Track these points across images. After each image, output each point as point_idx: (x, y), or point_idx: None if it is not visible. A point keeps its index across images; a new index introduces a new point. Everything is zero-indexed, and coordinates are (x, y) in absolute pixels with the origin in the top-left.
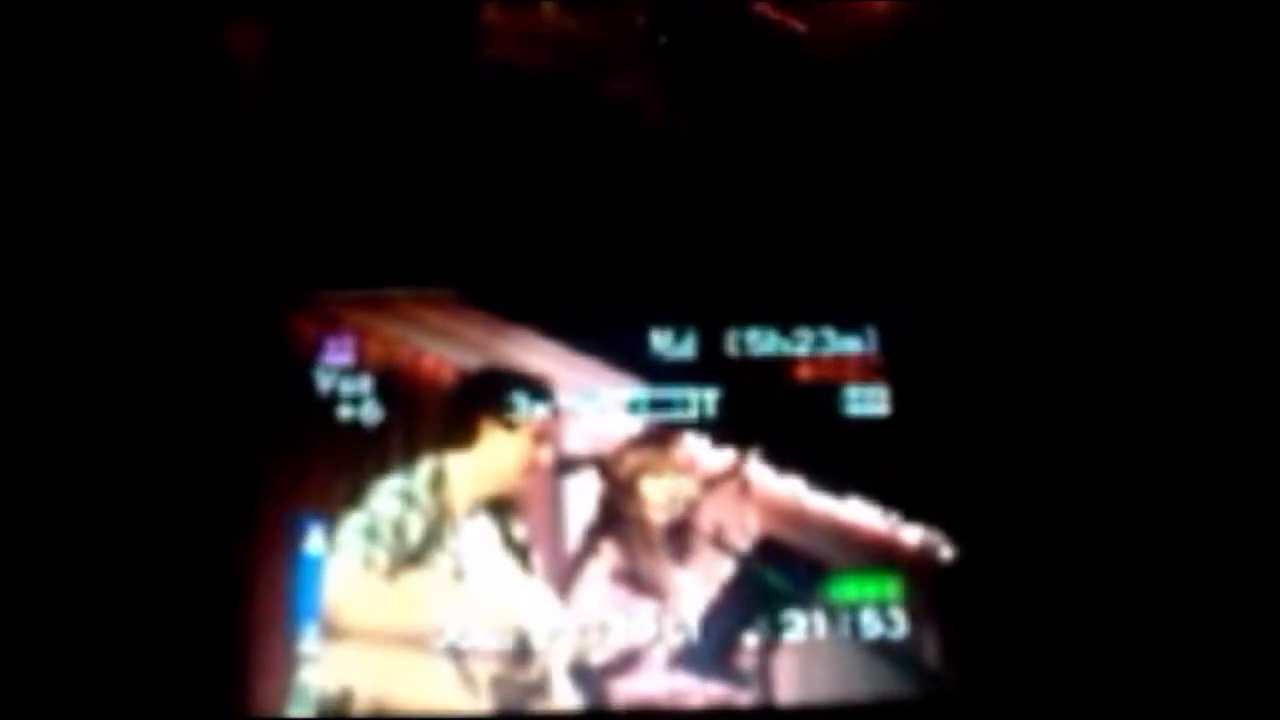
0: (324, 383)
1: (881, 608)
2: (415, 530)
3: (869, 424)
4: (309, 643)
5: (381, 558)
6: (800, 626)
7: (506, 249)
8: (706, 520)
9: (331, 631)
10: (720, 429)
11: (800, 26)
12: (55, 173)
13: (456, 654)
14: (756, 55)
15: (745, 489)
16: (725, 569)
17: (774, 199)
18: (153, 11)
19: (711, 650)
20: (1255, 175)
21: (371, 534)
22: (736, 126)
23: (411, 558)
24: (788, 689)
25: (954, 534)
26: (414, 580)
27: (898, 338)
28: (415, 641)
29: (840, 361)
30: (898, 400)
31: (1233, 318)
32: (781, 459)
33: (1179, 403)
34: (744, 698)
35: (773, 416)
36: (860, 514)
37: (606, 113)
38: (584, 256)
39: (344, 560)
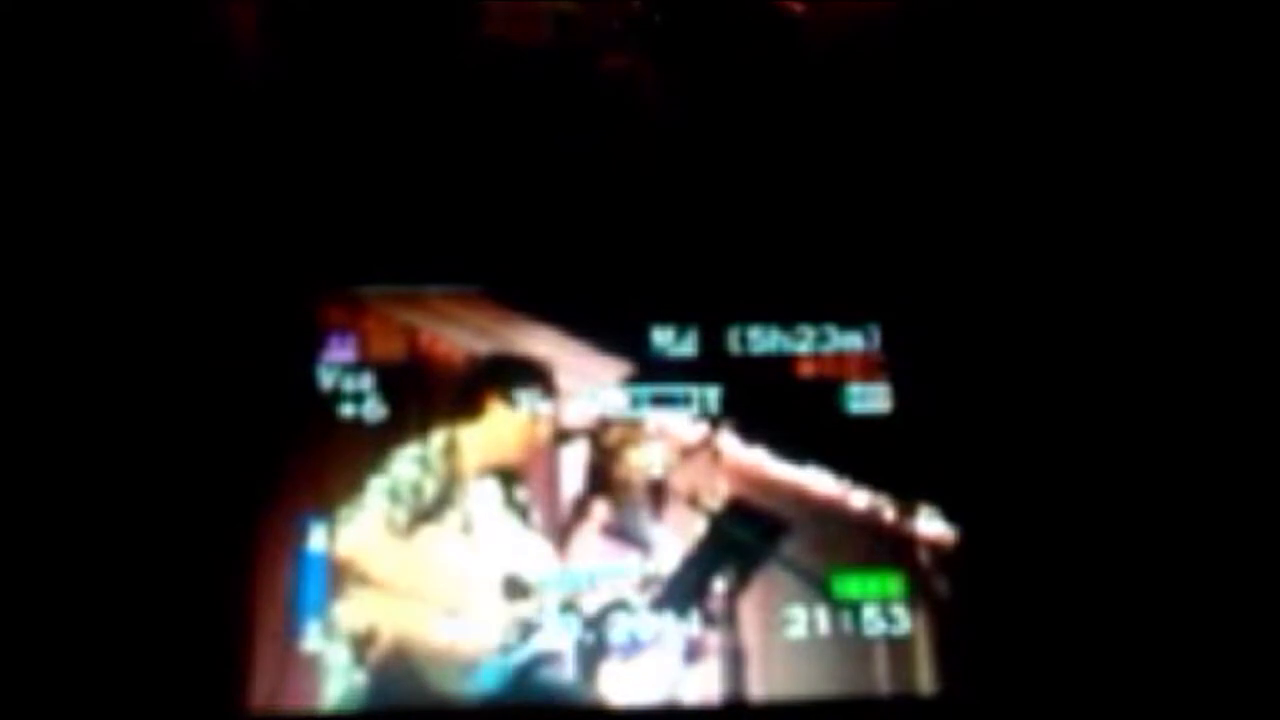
0: (326, 380)
1: (884, 604)
2: (430, 491)
3: (870, 421)
4: (312, 639)
5: (401, 514)
6: (803, 623)
7: (509, 246)
8: (682, 483)
9: (358, 578)
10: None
11: (797, 8)
12: (54, 174)
13: (465, 597)
14: (755, 41)
15: (716, 457)
16: (698, 525)
17: (776, 196)
18: None
19: (686, 594)
20: (1255, 174)
21: (393, 494)
22: (737, 122)
23: (426, 514)
24: (790, 687)
25: (955, 531)
26: (428, 534)
27: (900, 335)
28: (429, 586)
29: (842, 359)
30: (899, 398)
31: (1232, 315)
32: (784, 455)
33: (1182, 401)
34: (713, 637)
35: (774, 414)
36: (816, 479)
37: (605, 103)
38: (585, 253)
39: (370, 516)
